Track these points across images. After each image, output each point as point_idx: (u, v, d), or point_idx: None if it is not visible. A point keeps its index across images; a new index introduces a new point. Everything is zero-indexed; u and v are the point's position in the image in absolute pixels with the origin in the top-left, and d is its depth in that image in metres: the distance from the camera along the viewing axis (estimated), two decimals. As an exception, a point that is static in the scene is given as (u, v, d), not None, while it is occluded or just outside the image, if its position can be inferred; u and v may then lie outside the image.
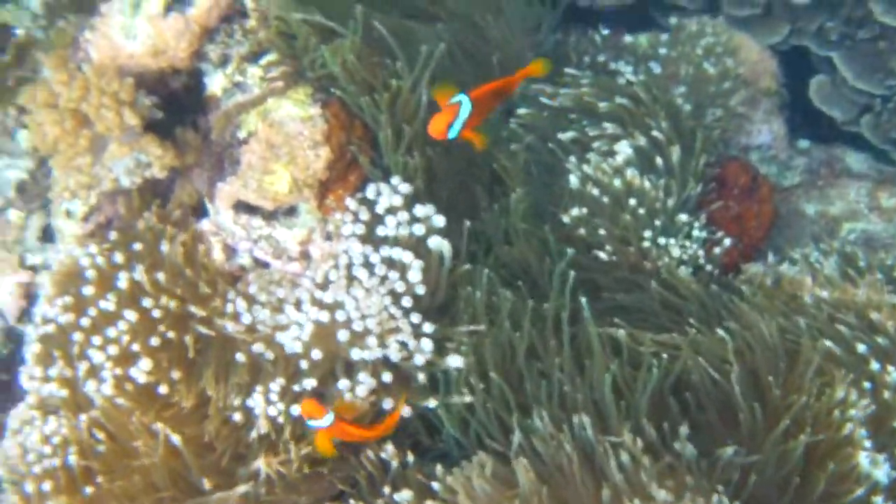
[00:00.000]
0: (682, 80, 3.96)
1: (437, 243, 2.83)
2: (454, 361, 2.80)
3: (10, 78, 3.50)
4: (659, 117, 3.49)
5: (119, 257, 2.94)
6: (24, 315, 3.28)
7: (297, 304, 2.74)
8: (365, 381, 2.70)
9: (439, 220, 2.89)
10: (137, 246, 2.95)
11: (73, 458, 2.81)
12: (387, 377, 2.73)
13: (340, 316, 2.70)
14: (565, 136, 3.49)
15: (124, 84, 2.82)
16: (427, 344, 2.76)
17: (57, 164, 2.87)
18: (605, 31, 4.14)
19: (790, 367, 2.92)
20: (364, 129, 2.96)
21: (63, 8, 3.42)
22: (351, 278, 2.74)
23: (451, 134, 2.65)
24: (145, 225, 3.00)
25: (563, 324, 2.91)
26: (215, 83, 3.06)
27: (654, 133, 3.43)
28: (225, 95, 3.05)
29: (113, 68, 2.94)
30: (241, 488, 2.66)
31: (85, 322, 2.87)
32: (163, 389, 2.85)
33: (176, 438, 2.76)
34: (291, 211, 2.89)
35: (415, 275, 2.75)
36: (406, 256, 2.76)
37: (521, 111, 3.53)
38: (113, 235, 3.02)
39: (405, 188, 2.88)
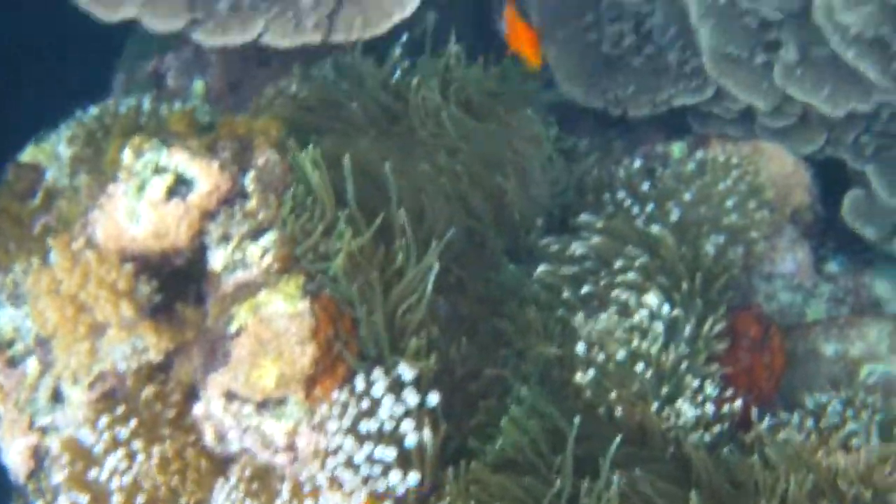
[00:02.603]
0: (705, 215, 3.89)
1: (422, 437, 2.85)
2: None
3: (37, 224, 3.62)
4: (680, 276, 3.44)
5: (121, 433, 3.05)
6: (32, 475, 3.38)
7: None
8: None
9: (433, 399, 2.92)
10: (135, 424, 3.05)
11: None
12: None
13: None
14: (582, 291, 3.47)
15: (123, 273, 2.90)
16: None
17: (57, 346, 2.96)
18: (636, 163, 4.07)
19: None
20: (353, 321, 2.98)
21: (83, 162, 3.54)
22: (334, 480, 2.77)
23: None
24: (145, 402, 3.09)
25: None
26: (216, 260, 3.12)
27: (674, 293, 3.39)
28: (225, 272, 3.10)
29: (116, 251, 3.02)
30: None
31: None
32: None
33: None
34: (281, 401, 2.93)
35: (395, 476, 2.77)
36: (388, 453, 2.79)
37: (541, 269, 3.51)
38: (119, 410, 3.12)
39: (409, 375, 2.92)
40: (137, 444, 3.03)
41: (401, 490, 2.75)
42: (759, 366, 3.59)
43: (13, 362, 3.51)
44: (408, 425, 2.84)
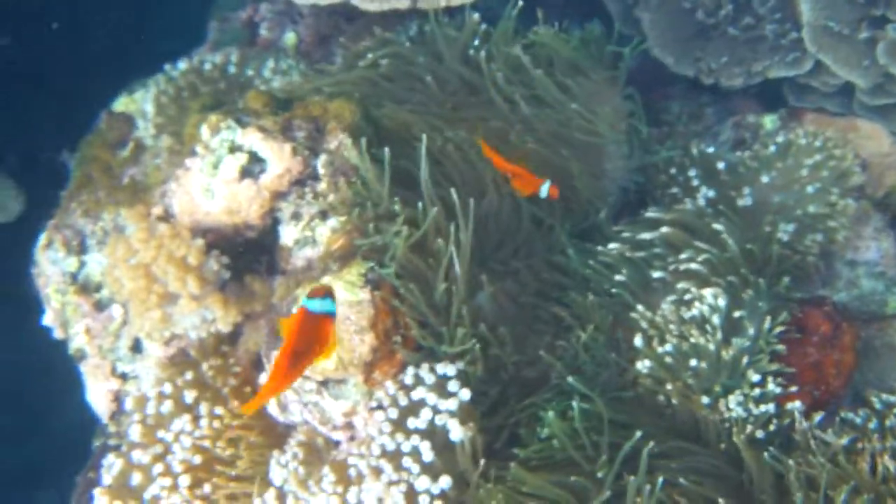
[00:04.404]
0: (782, 202, 3.78)
1: (460, 436, 2.91)
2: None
3: (126, 176, 3.76)
4: (745, 275, 3.39)
5: (188, 397, 3.23)
6: (114, 416, 3.62)
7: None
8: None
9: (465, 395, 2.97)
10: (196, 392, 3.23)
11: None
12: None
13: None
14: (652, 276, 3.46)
15: (193, 248, 3.02)
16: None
17: (132, 310, 3.12)
18: (710, 149, 3.95)
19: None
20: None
21: (167, 123, 3.65)
22: (375, 469, 2.88)
23: None
24: (210, 369, 3.26)
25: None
26: (287, 235, 3.22)
27: (740, 292, 3.36)
28: (296, 247, 3.20)
29: (189, 225, 3.14)
30: None
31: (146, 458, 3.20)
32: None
33: None
34: (341, 381, 3.04)
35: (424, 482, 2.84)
36: (427, 455, 2.86)
37: (611, 246, 3.51)
38: (188, 375, 3.29)
39: (452, 371, 2.98)
40: (203, 409, 3.20)
41: (435, 490, 2.82)
42: (827, 362, 3.53)
43: (100, 306, 3.70)
44: (447, 422, 2.91)
